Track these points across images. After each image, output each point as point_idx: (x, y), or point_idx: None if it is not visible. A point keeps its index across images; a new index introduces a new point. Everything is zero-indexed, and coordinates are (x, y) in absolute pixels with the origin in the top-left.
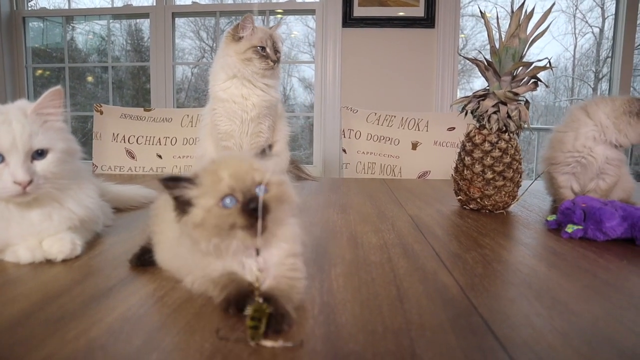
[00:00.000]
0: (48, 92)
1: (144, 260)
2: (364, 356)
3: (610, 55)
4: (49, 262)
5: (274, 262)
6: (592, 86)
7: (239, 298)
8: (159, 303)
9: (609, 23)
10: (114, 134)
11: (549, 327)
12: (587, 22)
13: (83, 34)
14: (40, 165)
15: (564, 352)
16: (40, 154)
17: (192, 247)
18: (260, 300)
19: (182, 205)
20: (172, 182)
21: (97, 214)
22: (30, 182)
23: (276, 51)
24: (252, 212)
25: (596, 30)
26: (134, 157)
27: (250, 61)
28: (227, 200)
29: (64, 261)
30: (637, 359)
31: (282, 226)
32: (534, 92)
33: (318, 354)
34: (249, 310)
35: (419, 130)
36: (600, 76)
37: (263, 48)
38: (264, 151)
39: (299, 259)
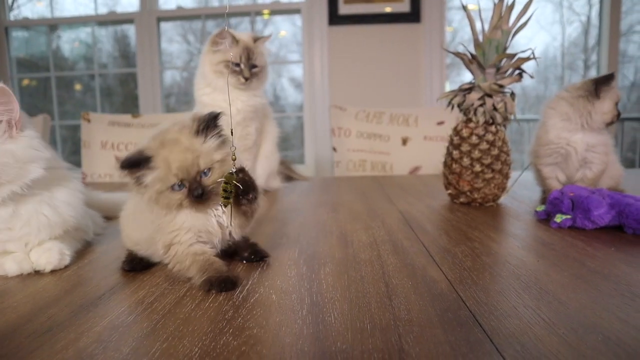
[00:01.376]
0: None
1: (134, 264)
2: (351, 354)
3: (597, 42)
4: (37, 273)
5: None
6: (582, 74)
7: (220, 280)
8: (148, 310)
9: (596, 10)
10: (102, 141)
11: (536, 318)
12: (574, 10)
13: (69, 42)
14: None
15: (550, 341)
16: None
17: (152, 213)
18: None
19: (140, 183)
20: (130, 168)
21: (86, 223)
22: None
23: (253, 66)
24: (197, 197)
25: (583, 18)
26: None
27: (222, 75)
28: (176, 187)
29: (53, 272)
30: (622, 344)
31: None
32: (525, 83)
33: (306, 354)
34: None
35: (408, 125)
36: (589, 64)
37: (237, 64)
38: (208, 122)
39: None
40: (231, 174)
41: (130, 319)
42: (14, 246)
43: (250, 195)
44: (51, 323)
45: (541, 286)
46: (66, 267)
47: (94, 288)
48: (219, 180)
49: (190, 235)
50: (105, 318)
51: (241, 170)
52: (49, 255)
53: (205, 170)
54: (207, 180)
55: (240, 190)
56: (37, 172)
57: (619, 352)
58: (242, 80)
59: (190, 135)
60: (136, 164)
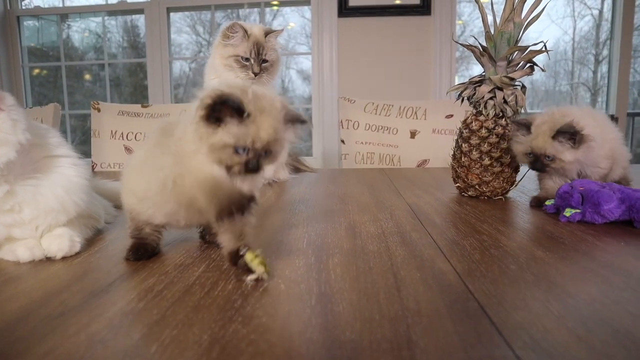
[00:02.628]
0: None
1: (139, 254)
2: (360, 344)
3: (609, 37)
4: (48, 259)
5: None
6: (592, 69)
7: (237, 206)
8: (158, 297)
9: (608, 4)
10: (112, 131)
11: (545, 310)
12: (585, 4)
13: (79, 32)
14: None
15: (559, 333)
16: None
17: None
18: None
19: (217, 124)
20: (226, 108)
21: (96, 210)
22: None
23: (264, 60)
24: (249, 169)
25: (595, 12)
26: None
27: (232, 69)
28: (241, 150)
29: (64, 258)
30: (631, 337)
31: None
32: (534, 77)
33: (315, 343)
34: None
35: (417, 118)
36: (600, 59)
37: (247, 59)
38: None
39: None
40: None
41: (141, 305)
42: (21, 232)
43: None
44: (63, 308)
45: (550, 279)
46: (77, 254)
47: (104, 275)
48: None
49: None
50: (116, 304)
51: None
52: (60, 242)
53: (268, 152)
54: (264, 162)
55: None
56: (7, 155)
57: (629, 344)
58: (252, 75)
59: (278, 115)
60: (236, 109)
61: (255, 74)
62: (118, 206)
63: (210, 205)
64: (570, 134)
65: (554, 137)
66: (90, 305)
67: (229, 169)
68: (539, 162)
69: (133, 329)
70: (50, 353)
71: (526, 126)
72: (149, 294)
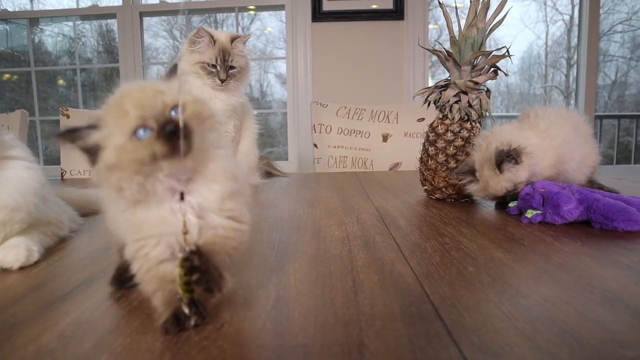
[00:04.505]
0: None
1: (124, 279)
2: (312, 348)
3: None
4: (5, 270)
5: (210, 207)
6: (565, 73)
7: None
8: (114, 305)
9: (578, 10)
10: None
11: (497, 311)
12: (557, 9)
13: (52, 36)
14: None
15: (508, 333)
16: None
17: (120, 204)
18: (186, 257)
19: (93, 156)
20: (71, 134)
21: (57, 217)
22: None
23: (231, 67)
24: (171, 135)
25: (566, 17)
26: None
27: (199, 76)
28: (141, 132)
29: (22, 269)
30: (576, 335)
31: (209, 160)
32: (509, 80)
33: (266, 349)
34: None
35: (389, 122)
36: (572, 63)
37: (213, 65)
38: (170, 71)
39: (239, 201)
40: (185, 259)
41: (96, 314)
42: None
43: (205, 285)
44: (14, 320)
45: (506, 280)
46: (36, 263)
47: (62, 284)
48: (194, 120)
49: (162, 249)
50: (70, 314)
51: (195, 252)
52: (16, 252)
53: (175, 109)
54: (182, 119)
55: (204, 285)
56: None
57: (572, 342)
58: (219, 82)
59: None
60: (75, 129)
61: (222, 81)
62: (85, 214)
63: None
64: (509, 157)
65: (501, 171)
66: (43, 316)
67: (154, 160)
68: (508, 198)
69: (85, 338)
70: None
71: (471, 172)
72: (105, 302)
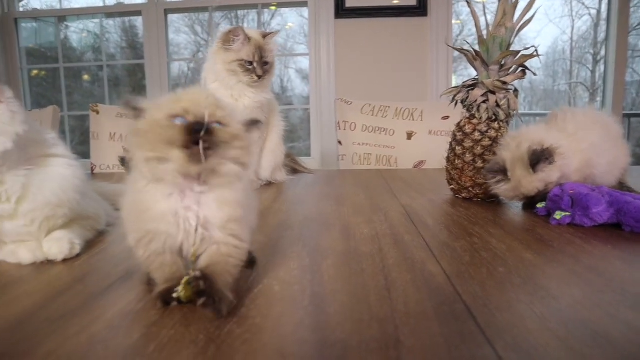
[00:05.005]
0: None
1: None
2: (349, 344)
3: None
4: (49, 262)
5: (215, 223)
6: (591, 69)
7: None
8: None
9: (606, 4)
10: (110, 133)
11: (529, 312)
12: (583, 3)
13: (77, 32)
14: None
15: (541, 334)
16: None
17: (139, 184)
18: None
19: (137, 118)
20: (132, 100)
21: (96, 212)
22: None
23: (265, 63)
24: (196, 135)
25: (593, 11)
26: None
27: (235, 74)
28: (177, 119)
29: (65, 260)
30: (609, 338)
31: (226, 188)
32: (532, 77)
33: (306, 343)
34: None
35: (413, 120)
36: (599, 58)
37: (250, 62)
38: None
39: (242, 225)
40: (190, 280)
41: (140, 306)
42: (12, 226)
43: (212, 308)
44: (64, 310)
45: (536, 282)
46: (77, 256)
47: (104, 277)
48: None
49: (157, 246)
50: (116, 306)
51: (200, 278)
52: (60, 245)
53: (218, 124)
54: (218, 131)
55: (211, 306)
56: (4, 145)
57: (605, 345)
58: (256, 78)
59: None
60: (139, 101)
61: (259, 77)
62: (118, 208)
63: None
64: (545, 157)
65: (536, 171)
66: (90, 306)
67: (170, 144)
68: (537, 198)
69: (132, 329)
70: (52, 354)
71: (502, 172)
72: (147, 295)
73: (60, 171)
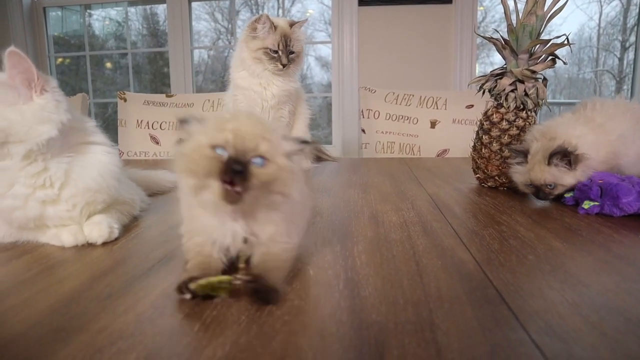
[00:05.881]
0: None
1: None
2: (386, 325)
3: (638, 22)
4: (90, 245)
5: (262, 237)
6: (619, 56)
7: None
8: None
9: None
10: (138, 120)
11: (560, 299)
12: None
13: (99, 20)
14: None
15: (573, 320)
16: None
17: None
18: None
19: (182, 140)
20: (184, 120)
21: (131, 197)
22: None
23: (291, 52)
24: (233, 170)
25: None
26: (158, 143)
27: (261, 61)
28: (219, 149)
29: (104, 244)
30: None
31: (272, 209)
32: (557, 65)
33: (344, 324)
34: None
35: (437, 108)
36: (627, 45)
37: (275, 51)
38: (296, 138)
39: (289, 228)
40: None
41: None
42: (54, 210)
43: (263, 302)
44: (110, 290)
45: (566, 269)
46: (116, 239)
47: (143, 260)
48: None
49: (200, 241)
50: (158, 287)
51: (251, 281)
52: (100, 228)
53: (260, 159)
54: (256, 170)
55: (261, 298)
56: (49, 132)
57: (639, 332)
58: (280, 66)
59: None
60: (189, 118)
61: (284, 65)
62: (150, 194)
63: None
64: (563, 155)
65: (549, 163)
66: (133, 287)
67: (208, 175)
68: (542, 192)
69: (176, 309)
70: (104, 330)
71: (524, 154)
72: None
73: (99, 158)
